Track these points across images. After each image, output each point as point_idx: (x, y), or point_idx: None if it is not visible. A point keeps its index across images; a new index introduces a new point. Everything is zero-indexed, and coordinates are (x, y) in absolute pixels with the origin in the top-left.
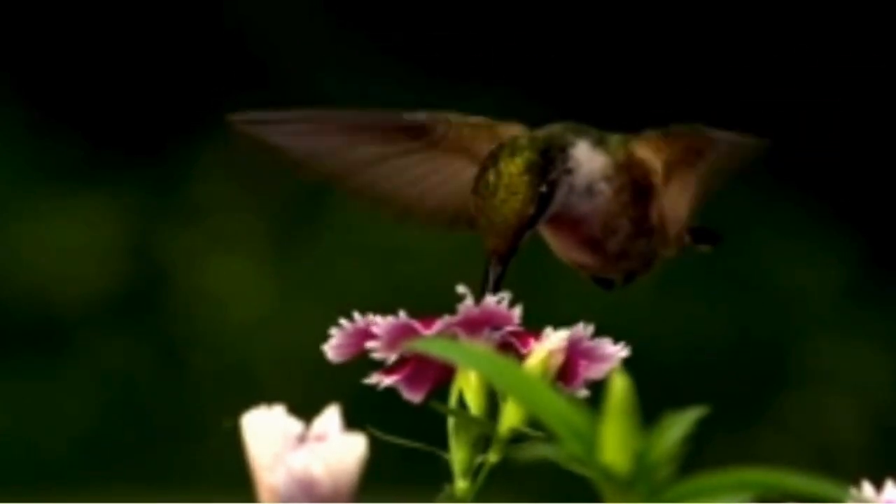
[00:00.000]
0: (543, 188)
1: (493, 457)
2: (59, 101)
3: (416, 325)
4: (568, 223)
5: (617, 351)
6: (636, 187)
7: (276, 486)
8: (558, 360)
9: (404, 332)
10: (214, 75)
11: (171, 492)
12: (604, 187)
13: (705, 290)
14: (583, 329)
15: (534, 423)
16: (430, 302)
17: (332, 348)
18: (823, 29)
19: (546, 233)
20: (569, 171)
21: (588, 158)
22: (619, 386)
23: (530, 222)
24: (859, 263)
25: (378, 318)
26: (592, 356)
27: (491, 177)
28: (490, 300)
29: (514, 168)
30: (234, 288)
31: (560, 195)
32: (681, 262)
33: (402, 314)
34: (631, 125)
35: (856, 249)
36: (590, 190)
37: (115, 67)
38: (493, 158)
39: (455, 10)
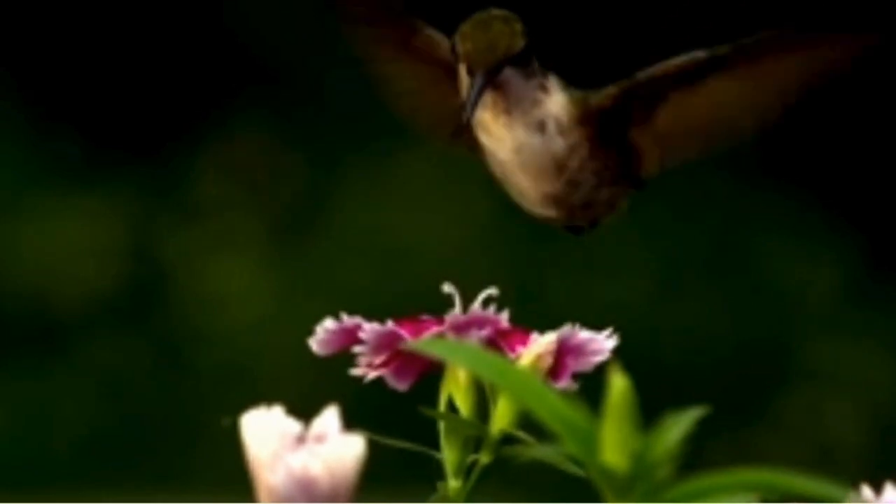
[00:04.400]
0: (525, 42)
1: (484, 458)
2: (59, 100)
3: (403, 332)
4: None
5: (606, 342)
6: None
7: (276, 486)
8: (547, 362)
9: (390, 339)
10: (215, 75)
11: (171, 492)
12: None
13: (705, 290)
14: (570, 329)
15: (524, 424)
16: (430, 301)
17: (318, 341)
18: (826, 27)
19: (510, 171)
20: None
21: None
22: (619, 386)
23: (517, 57)
24: (859, 263)
25: (364, 323)
26: (582, 352)
27: (482, 16)
28: (477, 307)
29: (502, 15)
30: (234, 288)
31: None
32: (680, 261)
33: (389, 322)
34: None
35: (856, 249)
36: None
37: (116, 67)
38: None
39: (456, 7)
